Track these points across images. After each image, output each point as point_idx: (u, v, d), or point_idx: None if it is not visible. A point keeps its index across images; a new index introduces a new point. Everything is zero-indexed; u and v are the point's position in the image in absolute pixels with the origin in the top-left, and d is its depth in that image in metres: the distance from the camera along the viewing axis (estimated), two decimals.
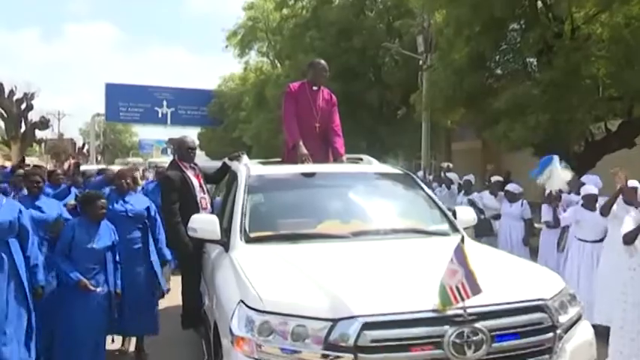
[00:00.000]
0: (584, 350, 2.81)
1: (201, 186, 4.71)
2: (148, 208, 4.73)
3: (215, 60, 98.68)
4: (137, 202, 4.72)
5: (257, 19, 21.05)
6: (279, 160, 4.96)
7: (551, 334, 2.63)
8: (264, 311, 2.59)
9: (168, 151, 32.85)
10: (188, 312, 4.57)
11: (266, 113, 18.00)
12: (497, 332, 2.52)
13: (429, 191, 4.29)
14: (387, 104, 13.84)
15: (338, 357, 2.44)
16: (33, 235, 3.77)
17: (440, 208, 4.01)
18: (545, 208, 7.29)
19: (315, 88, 4.73)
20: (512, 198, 7.47)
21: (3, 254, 3.57)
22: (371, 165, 4.64)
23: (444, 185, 9.67)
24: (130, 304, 4.40)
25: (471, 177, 8.57)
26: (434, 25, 11.54)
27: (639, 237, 4.23)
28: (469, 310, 2.50)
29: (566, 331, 2.71)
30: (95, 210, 4.08)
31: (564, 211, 7.24)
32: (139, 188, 7.02)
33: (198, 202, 4.57)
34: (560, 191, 6.70)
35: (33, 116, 29.15)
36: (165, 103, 27.38)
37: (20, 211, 3.72)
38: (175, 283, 4.92)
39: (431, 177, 11.97)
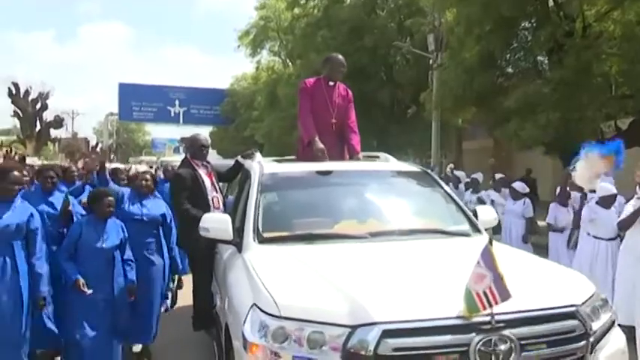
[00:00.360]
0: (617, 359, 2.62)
1: (213, 184, 4.54)
2: (164, 215, 4.52)
3: (227, 59, 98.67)
4: (154, 207, 4.51)
5: (269, 19, 20.90)
6: (293, 157, 4.78)
7: (583, 343, 2.42)
8: (278, 316, 2.40)
9: (181, 149, 32.77)
10: (199, 313, 4.39)
11: (278, 112, 17.84)
12: (527, 341, 2.33)
13: (449, 190, 4.05)
14: (398, 103, 13.64)
15: None
16: (42, 243, 3.58)
17: (460, 208, 3.79)
18: (552, 207, 7.19)
19: (331, 83, 4.50)
20: (516, 196, 7.46)
21: (6, 257, 3.38)
22: (388, 163, 4.42)
23: (451, 184, 9.50)
24: (136, 312, 4.19)
25: (478, 175, 8.41)
26: (444, 24, 11.36)
27: None
28: (497, 317, 2.29)
29: (599, 339, 2.52)
30: (102, 207, 3.90)
31: (573, 209, 7.16)
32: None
33: (210, 200, 4.39)
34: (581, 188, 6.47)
35: (47, 115, 29.27)
36: (177, 102, 27.30)
37: (32, 215, 3.55)
38: (186, 284, 4.73)
39: (441, 176, 11.80)
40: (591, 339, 2.45)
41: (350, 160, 4.43)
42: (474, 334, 2.28)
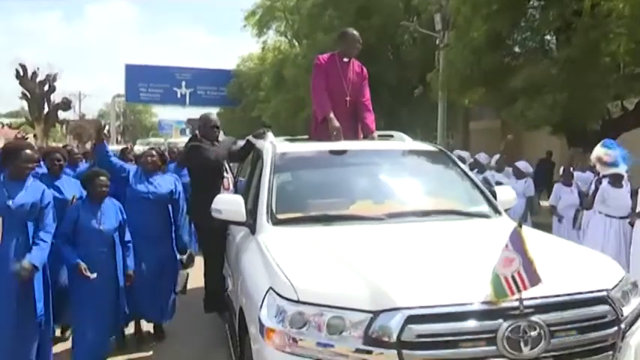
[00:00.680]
0: None
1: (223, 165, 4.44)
2: (172, 191, 4.38)
3: (234, 39, 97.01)
4: (162, 184, 4.36)
5: None
6: (305, 137, 4.61)
7: (615, 329, 2.28)
8: (297, 301, 2.29)
9: (187, 131, 32.51)
10: (211, 295, 4.30)
11: (284, 93, 17.57)
12: (557, 327, 2.20)
13: (467, 169, 3.88)
14: (405, 83, 13.35)
15: (380, 353, 2.14)
16: (51, 219, 3.46)
17: (479, 188, 3.62)
18: (556, 187, 7.17)
19: (345, 60, 4.30)
20: (519, 175, 7.53)
21: (20, 237, 3.29)
22: (403, 142, 4.25)
23: None
24: (146, 290, 4.14)
25: (480, 155, 8.23)
26: (451, 3, 11.03)
27: None
28: (525, 303, 2.17)
29: (631, 325, 2.38)
30: (95, 188, 3.76)
31: (577, 189, 7.14)
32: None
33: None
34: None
35: (55, 98, 29.00)
36: (184, 83, 26.96)
37: (43, 193, 3.43)
38: (197, 265, 4.60)
39: None
40: (622, 325, 2.32)
41: (364, 139, 4.27)
42: (501, 320, 2.16)
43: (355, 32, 4.41)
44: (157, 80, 27.00)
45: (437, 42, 12.46)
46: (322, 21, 14.54)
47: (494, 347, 2.14)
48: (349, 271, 2.44)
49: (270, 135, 4.25)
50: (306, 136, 4.56)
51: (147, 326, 4.58)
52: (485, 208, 3.45)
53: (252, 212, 3.36)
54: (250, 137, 4.43)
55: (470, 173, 3.87)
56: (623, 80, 8.98)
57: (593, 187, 5.95)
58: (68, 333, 4.23)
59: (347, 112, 4.26)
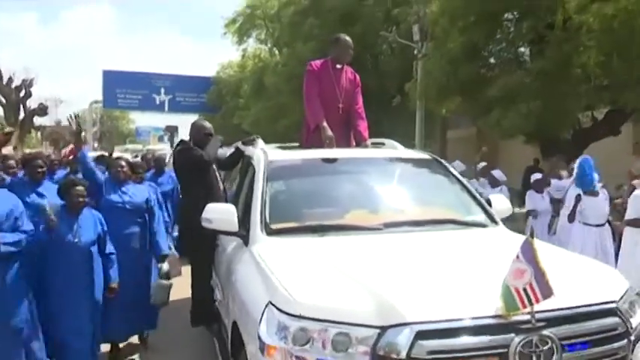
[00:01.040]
0: None
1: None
2: (147, 200, 4.18)
3: (214, 46, 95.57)
4: (136, 193, 4.16)
5: (255, 7, 20.25)
6: (296, 144, 4.47)
7: (625, 341, 2.22)
8: (299, 316, 2.17)
9: (165, 138, 31.92)
10: (199, 308, 4.07)
11: (264, 101, 17.39)
12: (568, 341, 2.12)
13: (461, 178, 3.81)
14: (384, 92, 13.35)
15: None
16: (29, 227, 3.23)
17: (474, 197, 3.54)
18: (529, 194, 7.26)
19: (338, 66, 4.20)
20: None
21: None
22: (396, 150, 4.15)
23: None
24: (124, 306, 3.89)
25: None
26: (429, 15, 11.08)
27: None
28: (537, 316, 2.08)
29: (639, 336, 2.31)
30: (71, 198, 3.51)
31: (549, 195, 7.26)
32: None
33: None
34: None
35: (31, 103, 28.16)
36: (163, 90, 26.42)
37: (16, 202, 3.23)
38: (183, 275, 4.38)
39: None
40: (632, 337, 2.24)
41: (357, 147, 4.16)
42: (513, 335, 2.07)
43: (348, 38, 4.31)
44: (136, 86, 26.43)
45: (415, 52, 12.50)
46: (303, 30, 14.44)
47: None
48: (352, 283, 2.33)
49: (260, 142, 4.10)
50: (297, 144, 4.44)
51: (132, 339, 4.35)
52: (481, 217, 3.38)
53: (244, 222, 3.20)
54: (239, 144, 4.26)
55: (464, 181, 3.80)
56: (593, 91, 9.14)
57: (573, 201, 5.96)
58: None
59: (339, 120, 4.17)
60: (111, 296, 3.70)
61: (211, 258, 4.01)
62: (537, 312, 2.08)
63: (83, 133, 4.24)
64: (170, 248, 4.67)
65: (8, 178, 3.89)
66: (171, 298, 4.35)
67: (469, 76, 10.00)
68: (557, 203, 7.32)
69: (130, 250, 3.99)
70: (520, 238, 3.04)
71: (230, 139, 5.49)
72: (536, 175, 7.73)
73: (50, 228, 3.45)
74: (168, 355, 4.27)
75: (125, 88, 26.56)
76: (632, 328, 2.28)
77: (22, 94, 27.29)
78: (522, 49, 10.56)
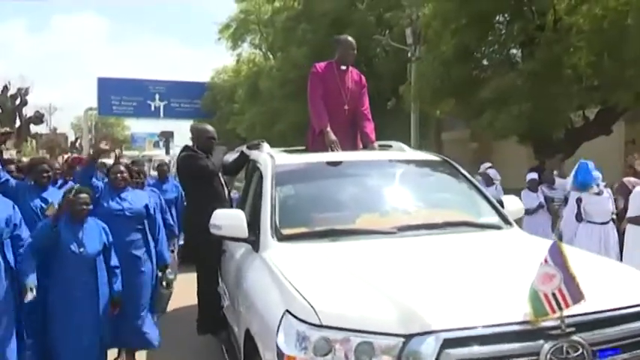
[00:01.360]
0: None
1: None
2: (147, 206, 4.10)
3: (208, 51, 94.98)
4: (135, 199, 4.07)
5: (249, 12, 20.28)
6: (302, 148, 4.41)
7: None
8: (320, 325, 2.08)
9: (160, 144, 31.85)
10: (206, 315, 3.98)
11: (259, 106, 17.42)
12: (599, 346, 2.05)
13: (472, 179, 3.69)
14: (379, 95, 13.41)
15: None
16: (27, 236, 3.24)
17: (486, 198, 3.44)
18: (523, 193, 7.33)
19: (343, 67, 4.14)
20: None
21: None
22: (404, 152, 4.07)
23: None
24: (127, 315, 3.81)
25: (491, 172, 8.25)
26: (422, 18, 11.16)
27: None
28: (566, 321, 2.02)
29: None
30: (74, 207, 3.40)
31: (543, 194, 7.36)
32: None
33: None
34: None
35: (27, 111, 28.09)
36: (157, 96, 26.41)
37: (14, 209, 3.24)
38: (186, 283, 4.28)
39: None
40: None
41: (364, 149, 4.10)
42: (542, 341, 2.00)
43: (350, 38, 4.27)
44: (131, 93, 26.42)
45: (408, 55, 12.58)
46: (296, 34, 14.50)
47: None
48: (371, 290, 2.24)
49: (266, 146, 4.04)
50: (303, 147, 4.40)
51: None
52: (495, 218, 3.29)
53: (252, 228, 3.13)
54: (244, 148, 4.21)
55: (475, 182, 3.71)
56: (584, 91, 9.24)
57: (575, 204, 6.03)
58: None
59: (345, 121, 4.11)
60: (114, 311, 3.64)
61: (218, 265, 3.96)
62: (566, 317, 2.03)
63: (79, 141, 4.21)
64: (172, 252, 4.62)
65: (13, 181, 3.84)
66: (175, 306, 4.30)
67: (462, 78, 10.09)
68: (551, 202, 7.46)
69: (130, 259, 3.89)
70: (537, 241, 2.98)
71: (229, 146, 5.49)
72: (531, 175, 7.76)
73: (55, 219, 3.36)
74: None
75: (120, 95, 26.56)
76: None
77: (17, 102, 27.23)
78: (514, 51, 10.65)
